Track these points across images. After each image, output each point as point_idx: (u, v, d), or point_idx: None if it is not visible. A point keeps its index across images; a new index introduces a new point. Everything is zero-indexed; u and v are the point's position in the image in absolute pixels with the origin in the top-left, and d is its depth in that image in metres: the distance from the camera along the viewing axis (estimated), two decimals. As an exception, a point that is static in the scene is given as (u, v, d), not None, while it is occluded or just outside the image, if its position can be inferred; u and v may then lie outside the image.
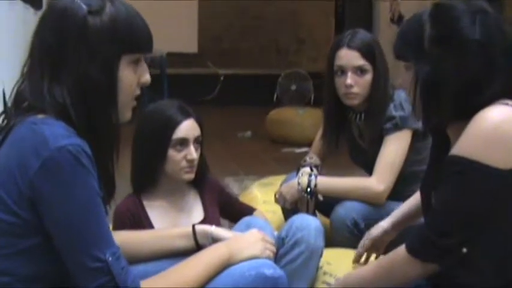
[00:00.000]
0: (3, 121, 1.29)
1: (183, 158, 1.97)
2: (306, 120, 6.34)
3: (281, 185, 2.45)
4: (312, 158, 2.39)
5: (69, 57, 1.25)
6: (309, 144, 5.81)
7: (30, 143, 1.19)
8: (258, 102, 8.67)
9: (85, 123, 1.24)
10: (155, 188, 2.05)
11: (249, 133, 7.11)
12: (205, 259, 1.46)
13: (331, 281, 1.87)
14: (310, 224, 1.85)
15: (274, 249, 1.65)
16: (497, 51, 1.36)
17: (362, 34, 2.23)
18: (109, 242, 1.22)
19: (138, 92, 1.38)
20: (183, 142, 1.97)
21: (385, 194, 2.11)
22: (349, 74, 2.17)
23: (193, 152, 1.97)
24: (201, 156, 2.11)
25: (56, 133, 1.19)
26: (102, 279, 1.19)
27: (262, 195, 2.91)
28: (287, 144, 6.26)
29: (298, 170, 2.36)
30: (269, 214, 2.48)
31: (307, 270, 1.83)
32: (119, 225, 1.99)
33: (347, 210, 2.14)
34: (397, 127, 2.12)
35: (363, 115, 2.24)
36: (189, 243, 1.73)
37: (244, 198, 3.00)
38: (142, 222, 2.00)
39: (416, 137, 2.17)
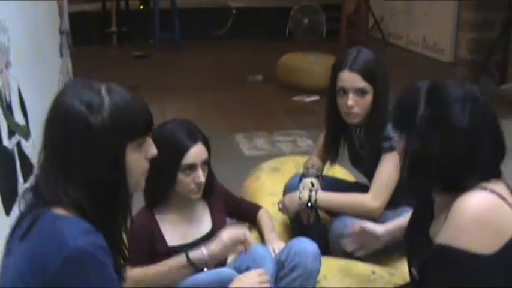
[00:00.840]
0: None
1: (192, 181, 2.12)
2: (316, 67, 6.39)
3: (284, 189, 2.61)
4: (314, 166, 2.53)
5: (77, 157, 1.37)
6: (319, 92, 5.99)
7: (51, 243, 1.33)
8: (271, 36, 8.69)
9: (99, 215, 1.38)
10: (166, 204, 2.21)
11: (260, 77, 7.16)
12: None
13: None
14: (307, 249, 2.03)
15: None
16: (482, 138, 1.48)
17: (364, 55, 2.30)
18: None
19: (147, 165, 1.50)
20: (192, 167, 2.11)
21: (380, 210, 2.26)
22: (351, 95, 2.26)
23: (201, 176, 2.12)
24: (209, 168, 2.25)
25: (75, 232, 1.33)
26: None
27: (269, 184, 3.02)
28: (297, 91, 6.35)
29: (301, 177, 2.51)
30: (274, 207, 2.63)
31: (304, 291, 2.02)
32: (135, 242, 2.15)
33: (343, 226, 2.28)
34: (394, 148, 2.23)
35: (362, 129, 2.35)
36: (188, 271, 1.94)
37: (252, 184, 3.16)
38: (155, 236, 2.17)
39: None
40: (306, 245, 2.06)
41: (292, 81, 6.53)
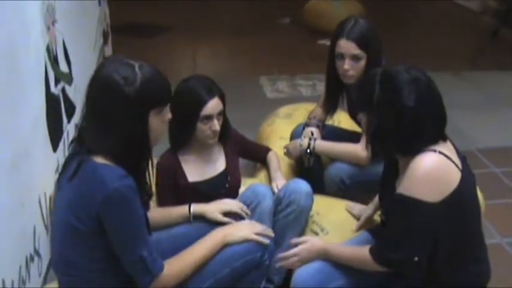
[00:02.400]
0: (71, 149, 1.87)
1: (209, 128, 2.50)
2: (341, 12, 6.57)
3: (290, 136, 2.99)
4: (316, 116, 2.92)
5: (114, 117, 1.76)
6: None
7: (94, 183, 1.76)
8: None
9: (130, 161, 1.80)
10: (187, 147, 2.60)
11: (287, 20, 7.40)
12: (207, 245, 2.03)
13: (318, 230, 2.47)
14: (301, 188, 2.43)
15: (261, 230, 2.15)
16: (426, 112, 1.84)
17: (360, 25, 2.61)
18: (145, 244, 1.80)
19: (164, 127, 1.90)
20: (209, 117, 2.48)
21: (368, 159, 2.62)
22: (347, 60, 2.60)
23: (216, 125, 2.49)
24: (224, 116, 2.63)
25: (112, 177, 1.74)
26: (140, 268, 1.81)
27: (281, 129, 3.38)
28: (323, 35, 6.60)
29: (304, 126, 2.89)
30: (283, 150, 3.02)
31: (298, 224, 2.44)
32: (161, 177, 2.58)
33: (336, 170, 2.69)
34: None
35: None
36: (186, 220, 2.34)
37: (267, 128, 3.54)
38: (178, 173, 2.58)
39: None
40: (300, 185, 2.45)
41: (318, 26, 6.76)
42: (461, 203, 1.84)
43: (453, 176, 1.83)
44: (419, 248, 1.84)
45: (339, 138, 2.83)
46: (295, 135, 2.97)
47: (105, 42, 4.78)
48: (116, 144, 1.78)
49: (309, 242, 2.12)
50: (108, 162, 1.78)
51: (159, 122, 1.86)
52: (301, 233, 2.46)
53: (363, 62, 2.60)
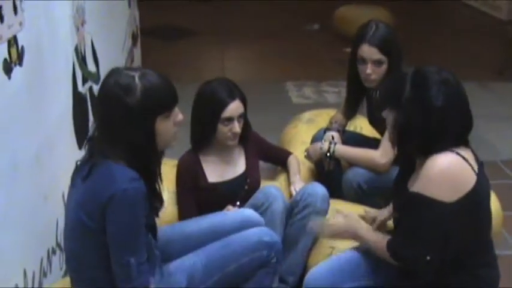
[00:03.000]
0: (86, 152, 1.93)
1: (229, 130, 2.55)
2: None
3: (312, 140, 3.02)
4: (337, 121, 2.95)
5: (117, 127, 1.82)
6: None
7: (106, 181, 1.82)
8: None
9: (139, 165, 1.84)
10: (208, 148, 2.66)
11: (316, 26, 7.42)
12: None
13: (334, 244, 2.46)
14: (318, 192, 2.46)
15: None
16: (452, 114, 1.87)
17: (382, 30, 2.65)
18: (137, 252, 1.82)
19: (176, 129, 1.94)
20: (229, 119, 2.53)
21: (387, 166, 2.64)
22: (369, 65, 2.64)
23: (237, 127, 2.54)
24: (245, 119, 2.67)
25: (123, 177, 1.80)
26: (123, 272, 1.82)
27: (303, 133, 3.40)
28: (350, 42, 6.61)
29: (325, 130, 2.92)
30: (304, 153, 3.04)
31: (313, 227, 2.46)
32: (182, 176, 2.64)
33: (354, 175, 2.71)
34: None
35: (378, 92, 2.72)
36: None
37: (290, 132, 3.57)
38: (198, 173, 2.63)
39: None
40: (317, 188, 2.49)
41: (347, 32, 6.68)
42: (475, 205, 1.86)
43: (469, 178, 1.85)
44: (431, 247, 1.86)
45: (359, 144, 2.85)
46: (316, 139, 3.00)
47: (134, 44, 4.86)
48: (126, 150, 1.84)
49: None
50: (125, 164, 1.84)
51: (169, 125, 1.90)
52: (316, 237, 2.48)
53: (384, 66, 2.63)
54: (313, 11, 7.77)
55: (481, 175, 1.88)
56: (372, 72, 2.63)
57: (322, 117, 3.60)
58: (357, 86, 2.76)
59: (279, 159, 2.95)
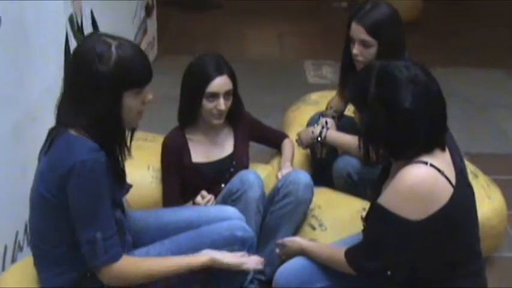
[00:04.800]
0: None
1: (214, 107, 2.45)
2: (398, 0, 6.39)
3: (307, 124, 2.89)
4: (332, 108, 2.80)
5: (84, 94, 1.75)
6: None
7: (64, 153, 1.75)
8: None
9: (101, 138, 1.77)
10: (195, 126, 2.57)
11: (345, 4, 7.22)
12: (187, 262, 1.90)
13: (316, 224, 2.39)
14: (300, 179, 2.35)
15: (252, 265, 2.03)
16: (422, 116, 1.69)
17: (378, 10, 2.43)
18: (102, 226, 1.74)
19: (142, 108, 1.85)
20: (214, 95, 2.43)
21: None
22: (356, 45, 2.45)
23: (222, 104, 2.44)
24: (237, 97, 2.57)
25: (82, 148, 1.73)
26: (89, 249, 1.75)
27: (304, 115, 3.23)
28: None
29: (320, 115, 2.79)
30: (295, 137, 2.88)
31: (294, 216, 2.36)
32: (166, 154, 2.57)
33: (345, 164, 2.57)
34: None
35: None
36: None
37: (291, 113, 3.47)
38: (183, 151, 2.54)
39: None
40: (300, 176, 2.37)
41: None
42: (451, 219, 1.71)
43: (442, 193, 1.69)
44: (393, 263, 1.74)
45: (355, 130, 2.71)
46: (310, 123, 2.87)
47: (148, 15, 4.78)
48: (87, 121, 1.76)
49: (291, 239, 2.06)
50: (84, 135, 1.77)
51: (137, 102, 1.82)
52: (298, 226, 2.39)
53: (373, 50, 2.44)
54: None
55: (460, 185, 1.73)
56: (359, 53, 2.45)
57: (327, 99, 3.45)
58: (350, 65, 2.59)
59: (273, 142, 2.84)
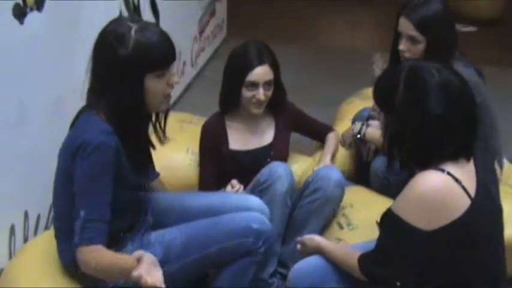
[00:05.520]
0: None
1: (253, 96, 2.42)
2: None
3: (353, 119, 2.80)
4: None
5: (106, 77, 1.78)
6: (477, 23, 5.72)
7: (80, 131, 1.80)
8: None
9: (119, 122, 1.78)
10: (236, 113, 2.55)
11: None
12: (120, 262, 1.78)
13: (344, 224, 2.32)
14: (331, 176, 2.29)
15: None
16: (453, 124, 1.59)
17: (428, 6, 2.32)
18: (91, 206, 1.74)
19: (169, 91, 1.85)
20: (254, 84, 2.40)
21: None
22: (403, 40, 2.34)
23: (261, 94, 2.40)
24: (279, 86, 2.53)
25: (95, 129, 1.76)
26: (75, 226, 1.74)
27: (356, 110, 3.11)
28: (456, 18, 6.15)
29: (365, 112, 2.71)
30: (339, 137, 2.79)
31: (322, 213, 2.30)
32: (204, 139, 2.57)
33: (382, 164, 2.46)
34: None
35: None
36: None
37: (344, 106, 3.38)
38: (221, 137, 2.54)
39: None
40: (331, 173, 2.30)
41: (455, 7, 6.28)
42: (465, 234, 1.60)
43: (457, 204, 1.58)
44: (402, 274, 1.65)
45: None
46: (356, 119, 2.79)
47: (216, -3, 4.79)
48: (108, 104, 1.79)
49: (310, 237, 2.02)
50: (103, 119, 1.80)
51: (161, 85, 1.82)
52: (326, 224, 2.33)
53: (421, 47, 2.33)
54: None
55: (480, 198, 1.61)
56: (405, 49, 2.34)
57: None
58: (398, 61, 2.46)
59: (317, 134, 2.77)
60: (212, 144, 2.55)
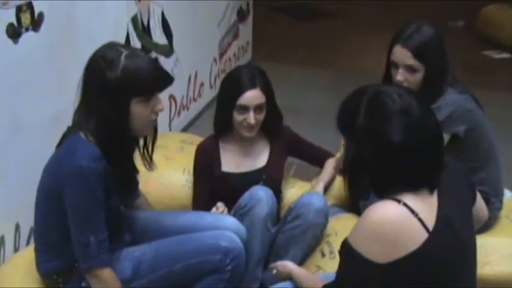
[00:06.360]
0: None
1: (244, 120, 2.44)
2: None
3: None
4: None
5: (94, 99, 1.85)
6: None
7: (67, 154, 1.86)
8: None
9: (106, 144, 1.85)
10: (230, 135, 2.57)
11: (461, 23, 6.89)
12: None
13: (326, 252, 2.30)
14: (313, 204, 2.28)
15: None
16: (413, 153, 1.54)
17: (422, 33, 2.28)
18: (95, 231, 1.85)
19: (154, 117, 1.92)
20: (245, 108, 2.42)
21: None
22: (401, 70, 2.28)
23: (251, 118, 2.42)
24: (274, 109, 2.53)
25: (84, 153, 1.82)
26: (83, 251, 1.86)
27: None
28: (491, 44, 6.09)
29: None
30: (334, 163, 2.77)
31: (303, 239, 2.29)
32: (198, 160, 2.60)
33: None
34: None
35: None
36: None
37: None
38: (214, 159, 2.56)
39: (455, 138, 2.33)
40: (313, 199, 2.29)
41: (489, 34, 6.24)
42: (421, 269, 1.54)
43: (412, 237, 1.52)
44: None
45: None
46: None
47: (241, 20, 4.84)
48: (95, 126, 1.85)
49: (283, 263, 2.02)
50: (91, 140, 1.86)
51: (146, 111, 1.89)
52: (308, 251, 2.33)
53: (419, 76, 2.28)
54: (460, 7, 7.16)
55: (438, 232, 1.54)
56: (403, 80, 2.28)
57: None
58: None
59: (315, 160, 2.76)
60: (205, 165, 2.57)
